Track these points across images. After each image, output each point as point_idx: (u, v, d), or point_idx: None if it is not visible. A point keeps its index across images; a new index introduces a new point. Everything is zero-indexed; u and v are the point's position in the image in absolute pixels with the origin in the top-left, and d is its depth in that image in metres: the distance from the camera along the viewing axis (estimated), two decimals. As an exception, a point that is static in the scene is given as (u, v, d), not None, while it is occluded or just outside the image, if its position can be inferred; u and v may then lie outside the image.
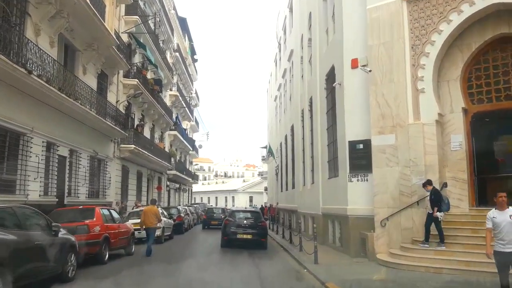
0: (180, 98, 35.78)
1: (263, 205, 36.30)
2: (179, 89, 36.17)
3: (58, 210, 10.00)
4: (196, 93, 50.63)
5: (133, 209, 18.40)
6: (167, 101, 32.90)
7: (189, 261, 10.89)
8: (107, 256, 9.52)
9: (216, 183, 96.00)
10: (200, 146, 50.24)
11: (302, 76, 19.58)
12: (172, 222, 17.49)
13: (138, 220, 14.91)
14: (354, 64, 11.69)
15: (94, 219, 9.22)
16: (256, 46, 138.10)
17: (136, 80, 21.17)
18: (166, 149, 31.16)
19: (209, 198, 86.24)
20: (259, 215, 16.00)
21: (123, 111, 20.70)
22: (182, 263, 10.31)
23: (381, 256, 10.10)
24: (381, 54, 10.98)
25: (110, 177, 19.02)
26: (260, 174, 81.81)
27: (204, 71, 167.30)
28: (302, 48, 19.47)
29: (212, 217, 25.23)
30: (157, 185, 28.90)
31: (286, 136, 26.40)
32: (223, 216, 20.86)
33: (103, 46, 16.85)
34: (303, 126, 19.56)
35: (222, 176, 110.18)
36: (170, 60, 33.48)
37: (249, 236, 14.27)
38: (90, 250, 8.73)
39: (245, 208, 28.70)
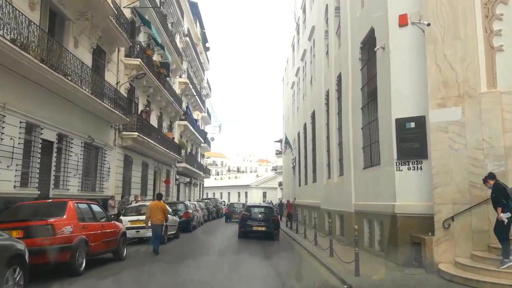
0: (191, 86, 33.54)
1: (281, 200, 33.74)
2: (189, 77, 33.94)
3: (20, 205, 7.78)
4: (208, 83, 48.42)
5: (131, 203, 16.17)
6: (176, 89, 30.72)
7: (192, 270, 8.60)
8: (83, 264, 7.24)
9: (229, 178, 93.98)
10: (212, 139, 48.09)
11: (327, 53, 17.05)
12: (178, 219, 15.25)
13: (136, 218, 12.83)
14: (403, 20, 9.18)
15: (64, 216, 6.93)
16: (271, 36, 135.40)
17: (139, 59, 18.93)
18: (176, 140, 29.00)
19: (221, 193, 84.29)
20: (272, 210, 17.84)
21: (125, 95, 18.55)
22: (184, 273, 8.03)
23: (444, 267, 7.63)
24: (440, 4, 8.44)
25: (109, 168, 16.88)
26: (274, 169, 79.40)
27: (216, 62, 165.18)
28: (327, 21, 16.92)
29: (234, 211, 28.01)
30: (165, 178, 26.77)
31: (305, 125, 23.90)
32: None
33: (99, 17, 14.63)
34: (327, 110, 17.06)
35: (234, 171, 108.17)
36: (179, 45, 31.27)
37: (263, 228, 15.77)
38: (58, 258, 6.46)
39: (260, 203, 30.91)
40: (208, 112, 48.42)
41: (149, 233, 12.10)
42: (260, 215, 16.30)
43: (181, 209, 18.21)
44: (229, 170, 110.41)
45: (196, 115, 37.24)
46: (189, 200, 31.86)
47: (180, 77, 32.35)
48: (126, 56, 18.95)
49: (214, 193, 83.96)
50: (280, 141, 78.27)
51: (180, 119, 31.86)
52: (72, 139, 13.69)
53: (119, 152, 18.34)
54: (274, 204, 41.16)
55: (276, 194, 74.22)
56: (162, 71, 22.94)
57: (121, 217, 12.88)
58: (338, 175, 14.90)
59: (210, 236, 16.68)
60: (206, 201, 30.64)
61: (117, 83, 17.90)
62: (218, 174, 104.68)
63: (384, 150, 9.78)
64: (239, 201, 78.91)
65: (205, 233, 18.46)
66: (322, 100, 17.58)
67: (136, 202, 15.90)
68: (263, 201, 64.60)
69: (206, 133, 45.85)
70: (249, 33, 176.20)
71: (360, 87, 12.01)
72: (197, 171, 38.07)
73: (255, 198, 74.05)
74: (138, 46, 19.61)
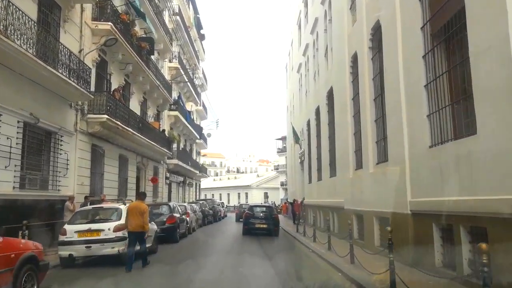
0: (183, 72, 29.46)
1: (287, 200, 29.66)
2: (181, 63, 29.85)
3: None
4: (203, 74, 44.35)
5: (87, 204, 11.93)
6: (166, 74, 26.66)
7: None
8: None
9: (228, 178, 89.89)
10: (209, 135, 43.95)
11: (351, 7, 13.01)
12: (155, 227, 11.12)
13: (88, 226, 8.76)
14: None
15: None
16: (271, 30, 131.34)
17: (109, 23, 14.87)
18: (165, 133, 24.93)
19: (220, 194, 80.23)
20: (272, 209, 19.54)
21: (92, 67, 14.52)
22: None
23: None
24: None
25: (67, 160, 12.80)
26: (276, 168, 75.35)
27: (214, 59, 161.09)
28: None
29: (243, 212, 25.76)
30: (151, 176, 22.68)
31: (317, 110, 19.85)
32: None
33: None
34: (355, 79, 13.00)
35: (234, 172, 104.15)
36: (169, 26, 27.24)
37: (264, 226, 17.30)
38: None
39: (261, 203, 32.66)
40: (204, 106, 44.36)
41: (106, 249, 8.07)
42: (261, 214, 17.95)
43: (164, 213, 14.11)
44: (228, 171, 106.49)
45: (189, 106, 33.21)
46: (184, 202, 27.87)
47: (170, 61, 28.30)
48: (93, 20, 14.92)
49: (213, 194, 79.88)
50: (282, 138, 74.63)
51: (171, 109, 27.81)
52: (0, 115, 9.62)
53: (84, 140, 14.26)
54: (276, 205, 37.77)
55: (278, 195, 70.14)
56: (143, 45, 18.88)
57: (66, 226, 8.78)
58: (375, 164, 10.83)
59: (201, 249, 12.50)
60: (201, 202, 26.46)
61: (80, 51, 13.85)
62: (217, 175, 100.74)
63: (485, 108, 5.70)
64: (239, 202, 75.14)
65: (195, 244, 14.25)
66: (345, 69, 13.51)
67: (100, 203, 11.69)
68: (264, 202, 60.70)
69: (201, 128, 41.74)
70: (248, 28, 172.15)
71: (421, 26, 7.94)
72: (192, 169, 33.98)
73: (256, 199, 69.94)
74: (110, 7, 15.51)
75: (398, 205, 8.79)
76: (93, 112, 14.38)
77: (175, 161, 27.32)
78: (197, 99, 38.12)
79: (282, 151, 73.34)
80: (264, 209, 18.72)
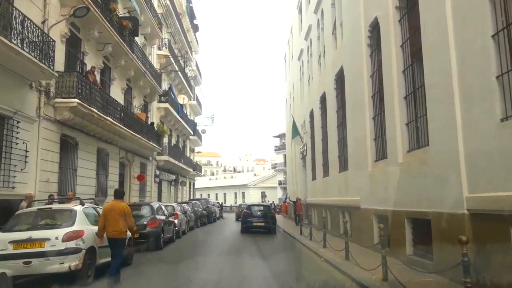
0: (173, 61, 27.17)
1: (289, 200, 27.45)
2: (171, 51, 27.54)
3: None
4: (197, 67, 42.09)
5: (30, 205, 9.52)
6: (155, 63, 24.39)
7: None
8: None
9: (225, 178, 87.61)
10: (204, 131, 41.65)
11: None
12: (128, 235, 8.82)
13: (27, 235, 6.49)
14: None
15: None
16: (267, 25, 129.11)
17: (81, -9, 12.60)
18: (154, 126, 22.68)
19: (216, 194, 78.04)
20: (269, 208, 19.88)
21: (61, 44, 12.26)
22: None
23: None
24: None
25: (26, 151, 10.52)
26: (273, 166, 73.17)
27: (207, 53, 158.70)
28: None
29: (242, 211, 25.45)
30: (138, 173, 20.41)
31: (323, 96, 17.67)
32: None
33: None
34: (374, 49, 10.81)
35: (230, 171, 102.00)
36: (158, 11, 24.99)
37: (262, 224, 17.84)
38: None
39: (258, 203, 32.90)
40: (198, 101, 42.10)
41: (52, 266, 5.83)
42: (259, 213, 18.35)
43: (145, 215, 11.83)
44: (225, 170, 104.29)
45: (181, 99, 30.91)
46: (175, 202, 25.58)
47: (160, 49, 26.02)
48: (63, -12, 12.64)
49: (208, 194, 77.65)
50: (280, 136, 72.40)
51: (160, 101, 25.54)
52: None
53: (51, 129, 11.97)
54: (275, 204, 35.81)
55: (276, 194, 67.98)
56: (125, 23, 16.61)
57: (-2, 235, 6.50)
58: (405, 151, 8.63)
59: (188, 259, 10.19)
60: (193, 202, 24.17)
61: (43, 22, 11.57)
62: (213, 174, 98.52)
63: None
64: (235, 202, 72.98)
65: (182, 253, 11.84)
66: (362, 41, 11.30)
67: (47, 203, 9.32)
68: (262, 201, 58.51)
69: (195, 124, 39.46)
70: (244, 22, 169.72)
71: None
72: (184, 167, 31.69)
73: (252, 198, 67.76)
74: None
75: (446, 203, 6.61)
76: (61, 96, 12.11)
77: (165, 157, 25.05)
78: (190, 92, 35.86)
79: (279, 149, 71.17)
80: (261, 208, 19.36)
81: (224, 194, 78.12)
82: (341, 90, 14.49)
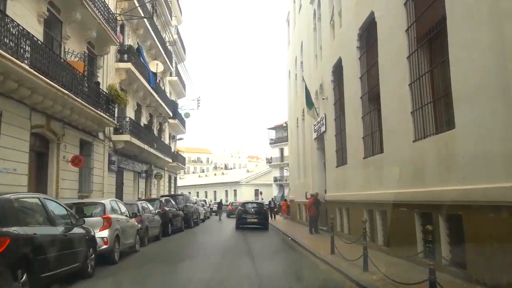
0: (141, 11, 20.08)
1: (307, 196, 20.02)
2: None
3: None
4: (180, 39, 34.99)
5: None
6: (112, 5, 17.34)
7: None
8: None
9: (215, 174, 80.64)
10: (187, 115, 34.55)
11: None
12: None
13: None
14: None
15: None
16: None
17: None
18: (104, 88, 15.62)
19: (206, 192, 71.14)
20: (262, 205, 21.58)
21: None
22: None
23: None
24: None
25: None
26: (268, 161, 66.21)
27: (195, 46, 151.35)
28: None
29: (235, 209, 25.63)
30: (73, 154, 13.37)
31: (364, 32, 10.81)
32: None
33: None
34: None
35: (222, 168, 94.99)
36: None
37: (255, 220, 19.25)
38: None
39: (252, 200, 32.31)
40: (181, 80, 35.01)
41: None
42: (253, 209, 19.75)
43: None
44: (215, 167, 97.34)
45: (154, 66, 23.80)
46: (138, 199, 18.52)
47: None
48: None
49: (197, 192, 70.77)
50: (276, 127, 65.42)
51: (121, 60, 18.53)
52: None
53: None
54: (275, 202, 29.41)
55: (271, 192, 61.06)
56: None
57: None
58: None
59: None
60: (163, 199, 17.04)
61: None
62: (203, 171, 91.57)
63: None
64: (227, 200, 66.23)
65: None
66: None
67: None
68: (255, 199, 51.74)
69: (176, 105, 32.50)
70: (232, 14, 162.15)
71: None
72: (160, 155, 24.67)
73: (245, 196, 60.87)
74: None
75: None
76: None
77: (125, 137, 18.02)
78: (169, 64, 28.76)
79: (275, 142, 64.24)
80: (255, 205, 20.68)
81: (214, 192, 71.16)
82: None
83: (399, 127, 8.37)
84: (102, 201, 8.47)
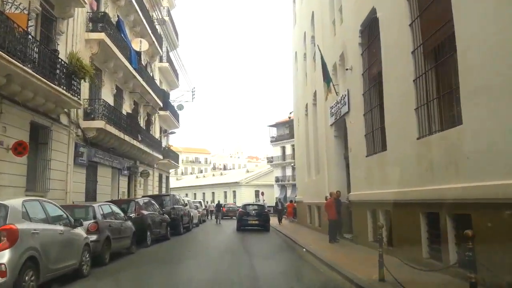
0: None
1: (327, 196, 16.31)
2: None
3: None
4: (172, 23, 31.58)
5: None
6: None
7: None
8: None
9: (213, 175, 77.20)
10: (181, 107, 31.08)
11: None
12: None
13: None
14: None
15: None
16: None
17: None
18: (64, 57, 12.15)
19: (204, 193, 67.59)
20: (263, 207, 21.72)
21: None
22: None
23: None
24: None
25: None
26: (269, 161, 62.70)
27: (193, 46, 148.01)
28: None
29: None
30: (16, 140, 9.92)
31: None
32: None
33: None
34: None
35: (220, 169, 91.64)
36: None
37: (256, 222, 19.08)
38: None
39: (253, 202, 34.29)
40: (173, 69, 31.53)
41: None
42: (254, 212, 19.58)
43: None
44: (214, 168, 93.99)
45: (137, 44, 20.35)
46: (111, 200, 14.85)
47: None
48: None
49: (195, 193, 67.35)
50: (276, 125, 62.02)
51: (92, 30, 15.10)
52: None
53: None
54: (283, 204, 25.97)
55: (272, 193, 57.62)
56: None
57: None
58: None
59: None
60: (144, 200, 13.51)
61: None
62: (201, 172, 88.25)
63: None
64: (225, 202, 62.97)
65: None
66: None
67: None
68: (256, 201, 48.38)
69: (168, 95, 29.11)
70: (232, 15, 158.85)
71: None
72: (148, 150, 21.27)
73: (245, 198, 57.40)
74: None
75: None
76: None
77: (98, 123, 14.59)
78: (158, 47, 25.32)
79: (277, 140, 60.78)
80: (256, 207, 20.83)
81: (213, 193, 67.61)
82: None
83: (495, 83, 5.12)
84: (5, 202, 5.00)
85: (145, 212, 11.94)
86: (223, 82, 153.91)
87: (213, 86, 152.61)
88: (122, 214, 9.90)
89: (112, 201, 11.55)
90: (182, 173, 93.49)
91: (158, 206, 14.03)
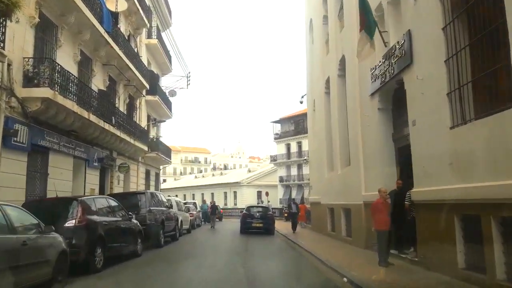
0: None
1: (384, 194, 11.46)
2: None
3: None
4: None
5: None
6: None
7: None
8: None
9: (213, 175, 72.93)
10: (173, 93, 26.84)
11: None
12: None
13: None
14: None
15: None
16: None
17: None
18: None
19: (203, 194, 63.14)
20: (267, 209, 20.99)
21: None
22: None
23: None
24: None
25: None
26: (273, 159, 58.38)
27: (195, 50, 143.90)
28: None
29: None
30: None
31: None
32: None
33: None
34: None
35: (221, 169, 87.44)
36: None
37: (260, 224, 18.22)
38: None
39: (258, 204, 33.93)
40: (165, 51, 27.22)
41: None
42: (258, 214, 18.86)
43: None
44: (214, 168, 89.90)
45: (113, 2, 16.18)
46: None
47: None
48: None
49: (193, 194, 63.16)
50: (280, 120, 57.64)
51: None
52: None
53: None
54: (298, 205, 21.57)
55: (276, 193, 53.29)
56: None
57: None
58: None
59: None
60: (97, 200, 9.23)
61: None
62: (200, 172, 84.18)
63: None
64: (225, 203, 58.71)
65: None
66: None
67: None
68: (258, 203, 44.14)
69: (157, 77, 24.85)
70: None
71: None
72: (128, 139, 17.03)
73: (247, 199, 53.11)
74: None
75: None
76: None
77: (44, 91, 10.32)
78: (144, 19, 21.06)
79: (280, 137, 56.49)
80: (260, 209, 19.87)
81: (212, 194, 63.20)
82: None
83: None
84: None
85: (95, 219, 7.67)
86: (224, 79, 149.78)
87: (213, 85, 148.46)
88: (36, 222, 5.61)
89: (32, 202, 7.23)
90: (181, 173, 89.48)
91: (124, 209, 9.69)
